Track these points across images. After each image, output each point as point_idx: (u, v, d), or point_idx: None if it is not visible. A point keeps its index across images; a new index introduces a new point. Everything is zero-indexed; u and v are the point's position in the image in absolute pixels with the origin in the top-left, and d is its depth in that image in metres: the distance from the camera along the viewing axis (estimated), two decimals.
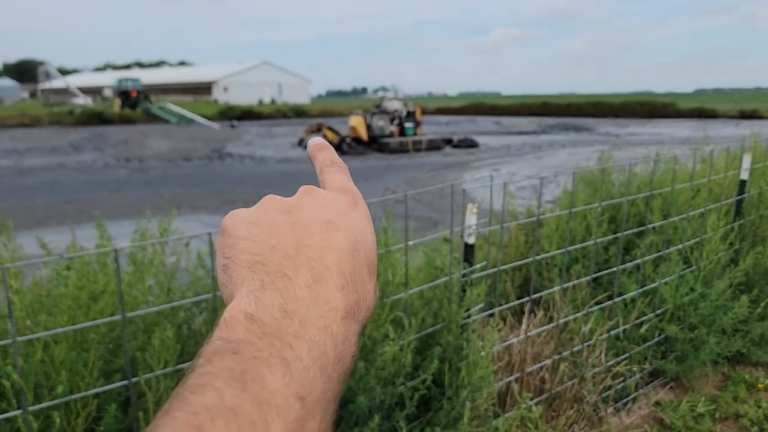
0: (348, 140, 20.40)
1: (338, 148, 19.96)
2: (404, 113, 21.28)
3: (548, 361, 2.43)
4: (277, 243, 0.38)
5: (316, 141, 0.50)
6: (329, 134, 20.74)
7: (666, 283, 2.79)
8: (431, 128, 29.28)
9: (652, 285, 2.79)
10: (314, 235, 0.38)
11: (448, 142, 21.49)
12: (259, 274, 0.36)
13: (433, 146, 20.65)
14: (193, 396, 0.29)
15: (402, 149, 19.79)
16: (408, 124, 21.10)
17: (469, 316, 2.04)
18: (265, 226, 0.39)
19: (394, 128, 20.87)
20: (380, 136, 20.38)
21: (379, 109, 21.38)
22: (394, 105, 21.75)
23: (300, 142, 21.90)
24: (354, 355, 0.36)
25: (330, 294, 0.35)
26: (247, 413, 0.29)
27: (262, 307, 0.33)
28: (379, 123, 20.51)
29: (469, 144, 21.25)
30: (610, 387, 2.61)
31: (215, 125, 34.69)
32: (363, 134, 20.21)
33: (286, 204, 0.41)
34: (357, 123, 20.37)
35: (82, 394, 1.45)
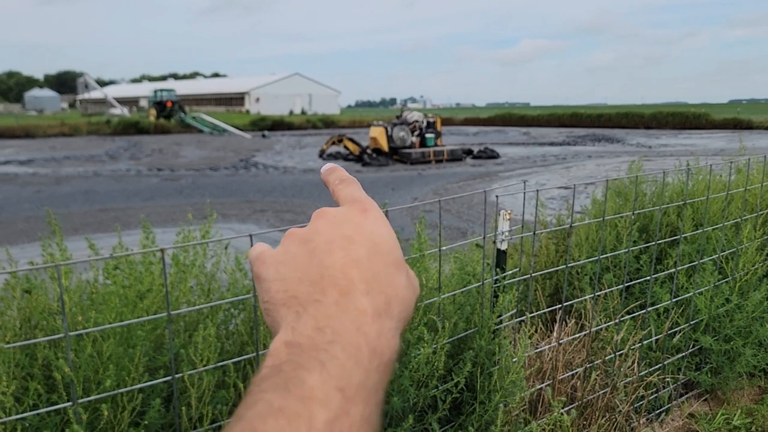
0: (369, 151, 20.42)
1: (359, 159, 20.03)
2: (425, 124, 21.24)
3: (580, 369, 2.43)
4: (303, 274, 0.41)
5: (326, 166, 0.54)
6: (350, 145, 20.80)
7: (700, 294, 2.76)
8: (460, 138, 29.20)
9: (686, 295, 2.77)
10: (334, 254, 0.41)
11: (469, 153, 21.40)
12: (294, 308, 0.40)
13: (455, 157, 20.59)
14: (247, 411, 0.34)
15: (423, 160, 19.77)
16: (429, 135, 21.06)
17: (500, 322, 2.05)
18: (290, 262, 0.43)
19: (414, 139, 20.84)
20: (401, 147, 20.37)
21: (399, 120, 21.36)
22: (414, 116, 21.71)
23: (321, 153, 21.93)
24: (395, 347, 0.39)
25: (357, 301, 0.39)
26: (293, 409, 0.33)
27: (298, 334, 0.37)
28: (400, 134, 20.50)
29: (489, 155, 21.11)
30: (642, 397, 2.58)
31: (247, 135, 35.30)
32: (384, 145, 20.21)
33: (304, 233, 0.44)
34: (378, 134, 20.38)
35: (129, 388, 1.52)
